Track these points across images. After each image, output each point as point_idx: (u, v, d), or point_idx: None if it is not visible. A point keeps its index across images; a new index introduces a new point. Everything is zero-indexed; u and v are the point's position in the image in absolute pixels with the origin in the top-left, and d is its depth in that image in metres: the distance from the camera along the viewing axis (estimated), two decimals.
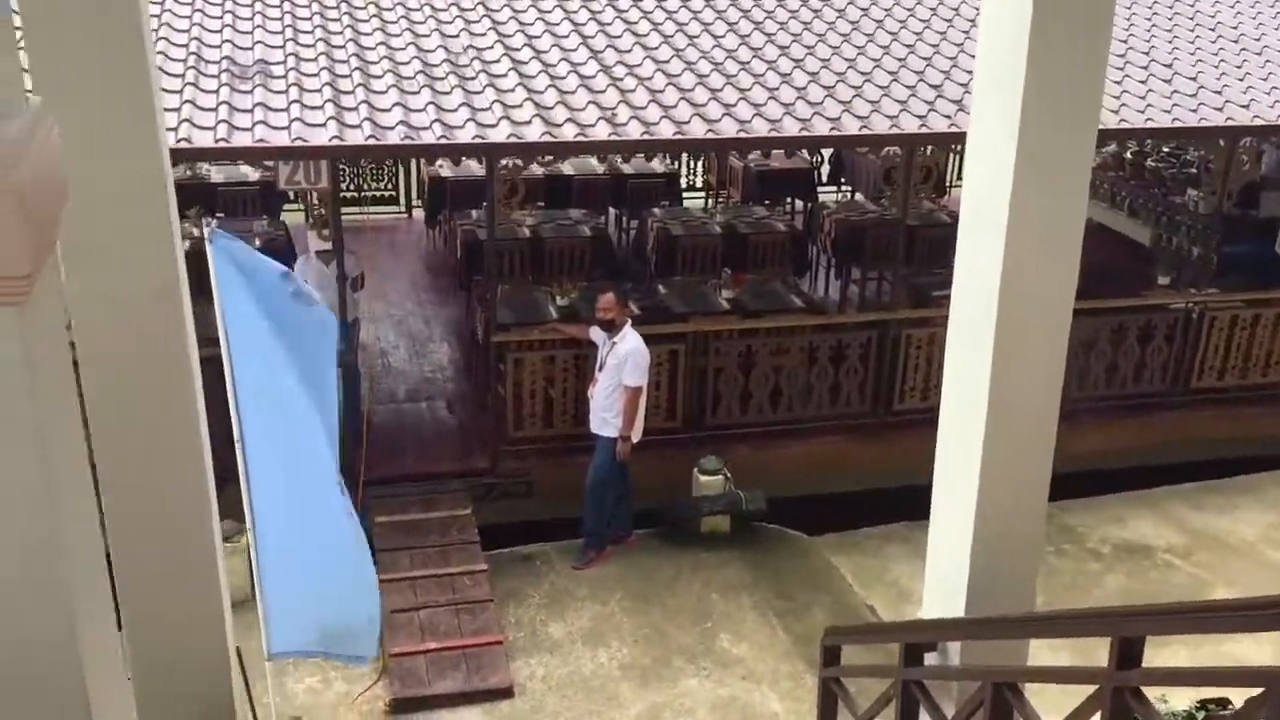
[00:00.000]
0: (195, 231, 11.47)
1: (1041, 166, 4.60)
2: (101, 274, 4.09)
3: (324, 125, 8.24)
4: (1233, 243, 11.97)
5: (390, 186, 15.65)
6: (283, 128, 8.19)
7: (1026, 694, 4.56)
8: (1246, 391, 11.12)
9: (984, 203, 4.88)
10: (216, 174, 13.14)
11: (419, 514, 8.98)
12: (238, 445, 5.18)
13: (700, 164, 16.33)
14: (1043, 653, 7.09)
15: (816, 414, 10.14)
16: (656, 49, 10.20)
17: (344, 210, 12.81)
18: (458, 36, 10.02)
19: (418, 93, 8.92)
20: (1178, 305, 10.98)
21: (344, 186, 14.86)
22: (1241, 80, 10.84)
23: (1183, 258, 12.93)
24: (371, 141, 8.17)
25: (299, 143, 8.02)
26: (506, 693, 7.55)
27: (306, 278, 9.40)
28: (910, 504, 7.78)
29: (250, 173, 12.84)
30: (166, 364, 4.24)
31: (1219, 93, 10.45)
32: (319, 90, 8.72)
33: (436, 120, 8.48)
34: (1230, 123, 10.07)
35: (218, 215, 12.21)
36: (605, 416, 8.69)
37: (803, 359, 9.99)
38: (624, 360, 8.51)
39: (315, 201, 8.69)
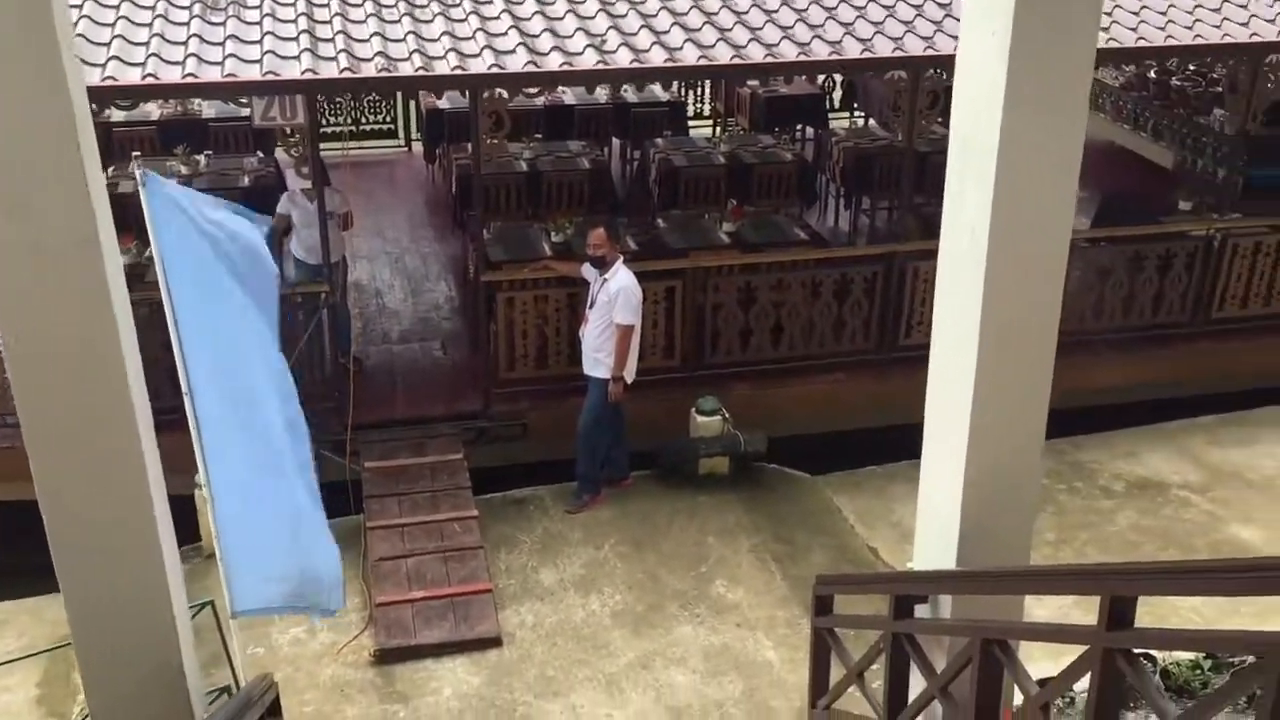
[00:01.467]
0: (183, 169, 11.32)
1: (1034, 87, 4.24)
2: (18, 224, 3.82)
3: (297, 58, 7.89)
4: (1259, 164, 11.47)
5: (389, 120, 15.28)
6: (254, 61, 7.85)
7: (1020, 648, 4.34)
8: (1271, 320, 10.70)
9: (973, 127, 4.53)
10: (209, 109, 12.84)
11: (409, 459, 8.77)
12: (185, 395, 4.94)
13: (707, 90, 15.84)
14: (1045, 600, 6.88)
15: (819, 351, 9.82)
16: None
17: (347, 145, 12.53)
18: None
19: (398, 21, 8.55)
20: (1199, 233, 10.53)
21: (342, 120, 14.53)
22: None
23: (1207, 181, 12.44)
24: (346, 75, 7.82)
25: (270, 76, 7.68)
26: (494, 642, 7.37)
27: (290, 215, 9.16)
28: (915, 442, 7.49)
29: (243, 108, 12.51)
30: (89, 312, 3.98)
31: (1244, 6, 9.91)
32: (294, 21, 8.36)
33: (416, 51, 8.12)
34: (1256, 39, 9.55)
35: (207, 152, 11.94)
36: (597, 357, 8.41)
37: (805, 294, 9.65)
38: (614, 298, 8.21)
39: (294, 137, 8.36)
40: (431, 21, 8.60)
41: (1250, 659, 5.07)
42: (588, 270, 8.57)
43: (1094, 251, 10.32)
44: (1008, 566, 4.93)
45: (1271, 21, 9.72)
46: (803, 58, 8.65)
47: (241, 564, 5.32)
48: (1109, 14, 9.48)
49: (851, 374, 9.85)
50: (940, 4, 9.52)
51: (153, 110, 12.57)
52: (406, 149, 15.26)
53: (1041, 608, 6.91)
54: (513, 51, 8.25)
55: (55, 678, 7.20)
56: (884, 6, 9.42)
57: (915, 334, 9.75)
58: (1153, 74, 14.45)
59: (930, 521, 5.30)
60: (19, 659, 7.09)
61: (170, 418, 5.14)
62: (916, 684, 5.05)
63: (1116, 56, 10.77)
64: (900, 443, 8.92)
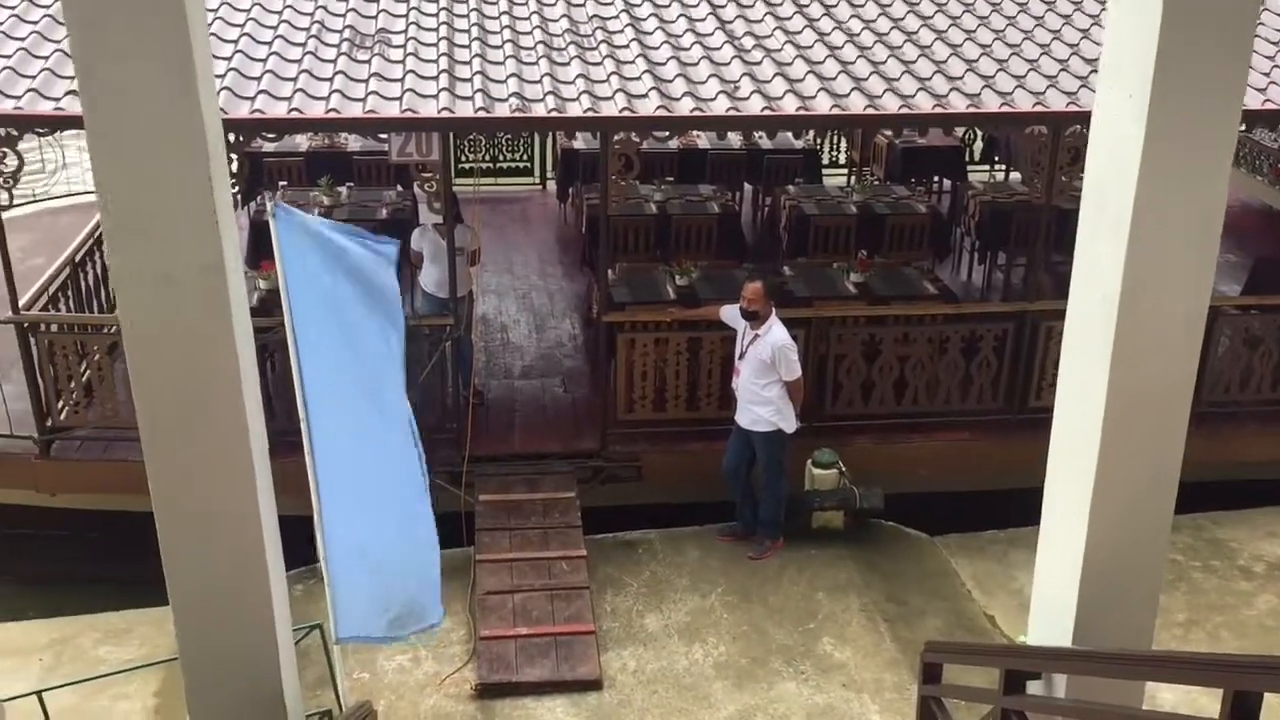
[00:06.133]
0: (325, 200, 11.69)
1: (1173, 150, 4.05)
2: (145, 250, 3.96)
3: (435, 96, 8.08)
4: None
5: (525, 157, 15.55)
6: (395, 98, 8.07)
7: None
8: None
9: (1107, 189, 4.36)
10: (354, 142, 13.25)
11: (523, 494, 8.82)
12: (303, 424, 5.04)
13: (842, 139, 15.72)
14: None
15: (944, 408, 9.58)
16: (789, 19, 9.73)
17: (480, 181, 12.80)
18: (583, 6, 9.75)
19: (535, 63, 8.69)
20: None
21: (478, 156, 14.83)
22: None
23: None
24: (481, 114, 7.97)
25: (408, 114, 7.88)
26: (595, 684, 7.33)
27: (422, 248, 9.36)
28: (1040, 508, 7.26)
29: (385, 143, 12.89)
30: (212, 340, 4.10)
31: None
32: (434, 61, 8.57)
33: (551, 93, 8.24)
34: None
35: (349, 184, 12.31)
36: (757, 412, 8.32)
37: (932, 349, 9.43)
38: (772, 356, 8.16)
39: (428, 173, 8.55)
40: (568, 64, 8.73)
41: None
42: (728, 313, 8.52)
43: (1243, 319, 9.87)
44: (1127, 650, 4.68)
45: None
46: (939, 110, 8.50)
47: (347, 592, 5.39)
48: (1266, 74, 9.10)
49: (976, 433, 9.57)
50: (1086, 59, 9.26)
51: (301, 142, 13.06)
52: (540, 187, 15.49)
53: (1168, 690, 6.57)
54: (645, 95, 8.31)
55: (172, 689, 7.40)
56: (1027, 60, 9.21)
57: (1046, 395, 9.42)
58: None
59: (1047, 594, 5.09)
60: (138, 668, 7.32)
61: (297, 439, 5.26)
62: None
63: (1271, 119, 10.34)
64: (1025, 507, 8.60)
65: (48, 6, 8.95)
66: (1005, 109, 8.59)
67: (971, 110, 8.58)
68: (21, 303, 8.73)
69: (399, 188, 12.42)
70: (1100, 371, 4.47)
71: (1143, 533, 4.78)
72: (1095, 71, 8.88)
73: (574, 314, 11.60)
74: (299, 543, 5.43)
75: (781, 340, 8.20)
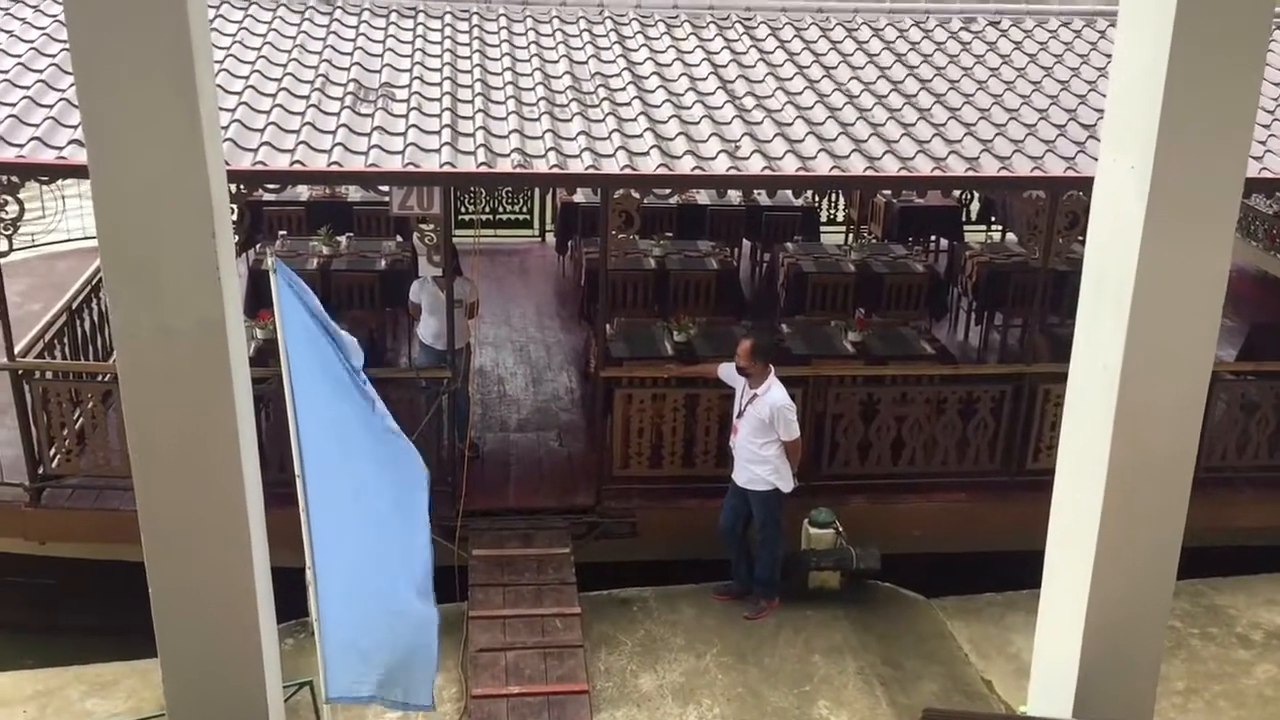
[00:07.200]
0: (324, 250, 11.71)
1: (1176, 222, 4.07)
2: (146, 302, 3.95)
3: (438, 151, 8.12)
4: None
5: (525, 210, 15.62)
6: (397, 152, 8.10)
7: None
8: None
9: (1108, 258, 4.37)
10: (354, 193, 13.29)
11: (516, 549, 8.76)
12: (298, 479, 5.00)
13: (841, 197, 15.80)
14: None
15: (941, 469, 9.54)
16: (790, 79, 9.82)
17: (479, 233, 12.85)
18: (586, 64, 9.84)
19: (537, 119, 8.74)
20: None
21: (479, 208, 14.89)
22: None
23: None
24: (483, 169, 8.00)
25: (410, 168, 7.90)
26: None
27: (421, 300, 9.36)
28: (1038, 571, 7.20)
29: (385, 195, 12.93)
30: (210, 392, 4.08)
31: None
32: (438, 115, 8.62)
33: (552, 149, 8.28)
34: None
35: (349, 234, 12.33)
36: (754, 471, 8.28)
37: (929, 410, 9.41)
38: (770, 416, 8.13)
39: (428, 225, 8.57)
40: (570, 121, 8.78)
41: None
42: (726, 371, 8.51)
43: (1239, 385, 9.87)
44: None
45: None
46: (938, 173, 8.55)
47: (339, 650, 5.32)
48: (1262, 143, 9.17)
49: (973, 495, 9.53)
50: (1084, 125, 9.34)
51: (302, 191, 13.09)
52: (540, 239, 15.54)
53: None
54: (646, 153, 8.35)
55: None
56: (1025, 125, 9.28)
57: (1043, 458, 9.41)
58: None
59: (1047, 662, 5.04)
60: None
61: (289, 491, 5.21)
62: None
63: (1268, 186, 10.40)
64: (1022, 570, 8.56)
65: (54, 55, 9.01)
66: (1004, 173, 8.65)
67: (970, 174, 8.63)
68: (17, 349, 8.70)
69: (398, 238, 12.44)
70: (1102, 440, 4.45)
71: (1145, 603, 4.74)
72: (1093, 137, 9.00)
73: (571, 367, 11.58)
74: (288, 595, 5.36)
75: (780, 401, 8.18)
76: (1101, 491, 4.46)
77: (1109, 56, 10.57)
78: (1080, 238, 11.60)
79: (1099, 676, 4.77)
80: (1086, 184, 8.67)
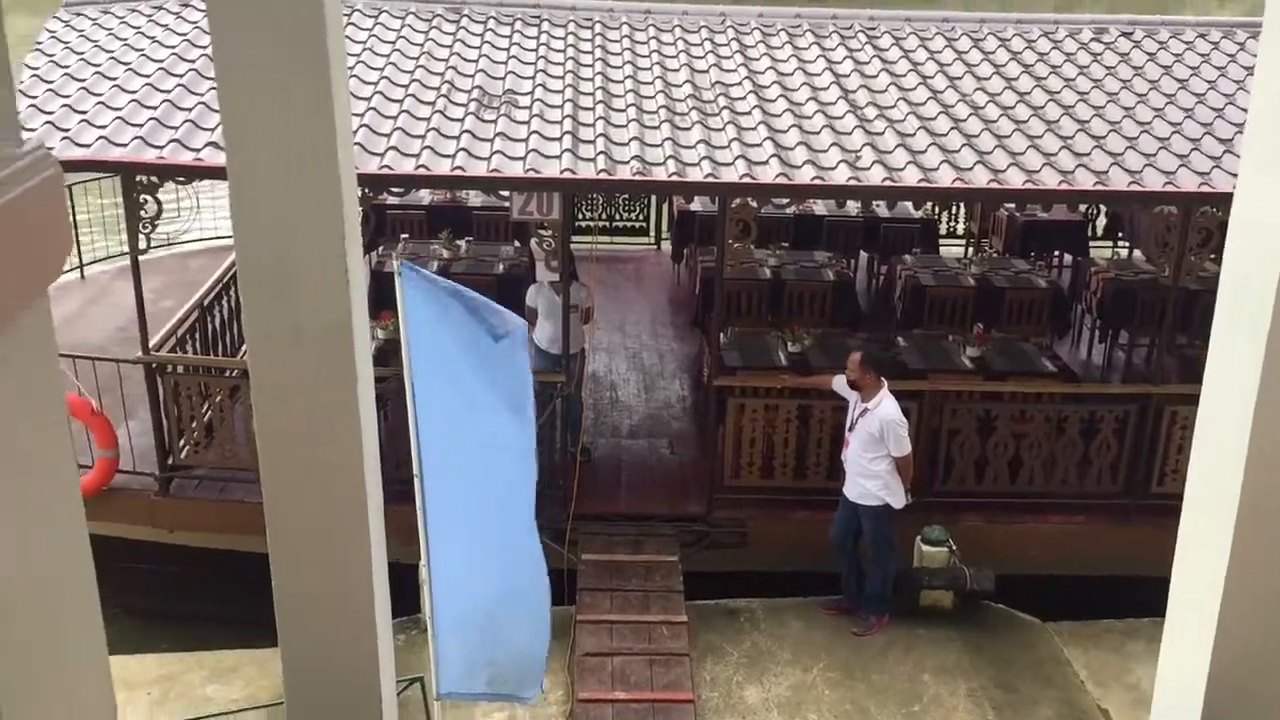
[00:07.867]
0: (444, 253, 11.93)
1: None
2: (278, 304, 4.06)
3: (559, 157, 8.21)
4: None
5: (642, 218, 15.69)
6: (519, 158, 8.22)
7: None
8: None
9: (1248, 276, 4.19)
10: (475, 198, 13.50)
11: (626, 554, 8.79)
12: (416, 478, 5.09)
13: (962, 209, 15.52)
14: None
15: (1060, 490, 9.30)
16: (913, 89, 9.70)
17: (597, 240, 12.95)
18: (707, 73, 9.85)
19: (657, 127, 8.78)
20: None
21: (596, 215, 15.01)
22: None
23: None
24: (602, 176, 8.07)
25: (530, 174, 8.01)
26: None
27: (537, 305, 9.47)
28: (1160, 599, 6.98)
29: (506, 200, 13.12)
30: (336, 393, 4.17)
31: None
32: (559, 122, 8.72)
33: (671, 157, 8.31)
34: None
35: (469, 238, 12.54)
36: (865, 486, 8.20)
37: (1049, 429, 9.19)
38: (880, 430, 8.04)
39: (547, 231, 8.68)
40: (690, 129, 8.80)
41: None
42: (839, 384, 8.43)
43: None
44: None
45: None
46: (1065, 187, 8.35)
47: (451, 647, 5.40)
48: None
49: (1094, 518, 9.27)
50: (1220, 139, 9.03)
51: (424, 196, 13.36)
52: (655, 247, 15.59)
53: None
54: (766, 162, 8.33)
55: None
56: (1158, 139, 9.01)
57: (1169, 482, 9.11)
58: None
59: (1170, 699, 4.86)
60: (241, 710, 7.43)
61: (404, 488, 5.31)
62: None
63: None
64: (1144, 597, 8.33)
65: (193, 61, 9.35)
66: (1135, 188, 8.41)
67: (1100, 188, 8.41)
68: (151, 343, 9.04)
69: (516, 243, 12.62)
70: (1235, 469, 4.26)
71: (1276, 640, 4.55)
72: (1230, 152, 8.68)
73: (683, 375, 11.60)
74: (399, 591, 5.46)
75: (891, 415, 8.07)
76: (1233, 523, 4.27)
77: (1248, 69, 10.26)
78: (1213, 256, 11.28)
79: (1225, 713, 4.59)
80: (1221, 200, 8.45)
